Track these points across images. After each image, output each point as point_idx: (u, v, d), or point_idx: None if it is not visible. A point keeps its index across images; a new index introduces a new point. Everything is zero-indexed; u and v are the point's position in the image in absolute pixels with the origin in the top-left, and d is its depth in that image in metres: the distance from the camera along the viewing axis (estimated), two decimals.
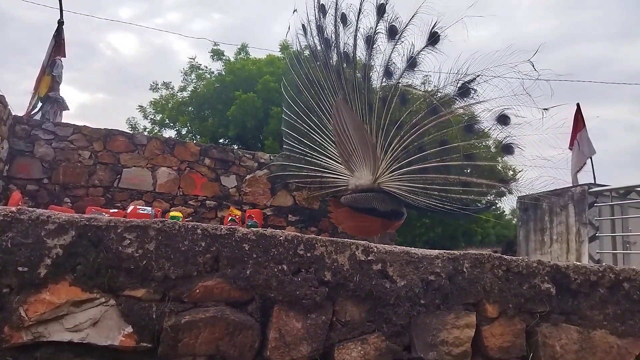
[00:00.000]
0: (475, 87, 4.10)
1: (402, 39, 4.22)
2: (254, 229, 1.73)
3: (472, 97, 4.14)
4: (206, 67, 15.17)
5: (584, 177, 8.32)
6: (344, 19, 4.46)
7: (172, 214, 5.56)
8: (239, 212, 6.16)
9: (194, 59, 15.25)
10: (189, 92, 14.62)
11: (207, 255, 1.62)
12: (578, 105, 8.81)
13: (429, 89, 4.45)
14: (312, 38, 4.78)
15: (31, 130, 6.39)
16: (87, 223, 1.53)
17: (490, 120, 4.13)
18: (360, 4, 4.30)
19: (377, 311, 1.78)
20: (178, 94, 15.02)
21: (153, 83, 15.38)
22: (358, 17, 4.33)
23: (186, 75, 15.10)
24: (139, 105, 15.13)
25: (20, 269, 1.45)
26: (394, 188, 4.08)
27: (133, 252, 1.55)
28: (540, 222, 8.10)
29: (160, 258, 1.57)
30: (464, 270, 1.91)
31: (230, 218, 5.70)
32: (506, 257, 2.02)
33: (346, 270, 1.76)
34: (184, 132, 14.82)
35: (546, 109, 3.80)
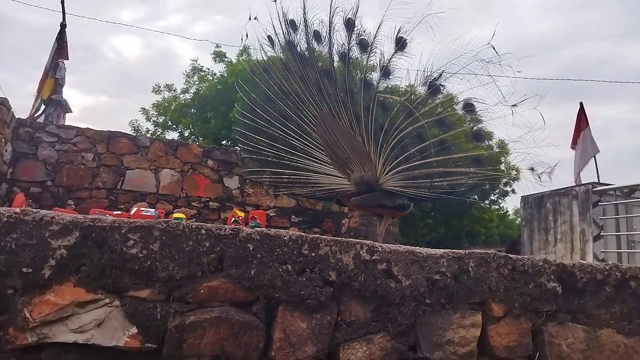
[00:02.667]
0: (443, 84, 4.19)
1: (374, 49, 4.28)
2: (258, 229, 1.73)
3: (442, 93, 4.26)
4: (208, 69, 15.23)
5: (588, 176, 8.31)
6: (317, 36, 4.45)
7: (175, 215, 5.56)
8: (242, 214, 6.15)
9: (196, 61, 15.33)
10: (192, 94, 14.67)
11: (211, 255, 1.62)
12: (581, 104, 8.80)
13: (404, 94, 4.51)
14: (285, 52, 4.68)
15: (34, 133, 6.42)
16: (91, 224, 1.53)
17: (459, 111, 4.25)
18: (330, 20, 4.28)
19: (382, 311, 1.77)
20: (180, 96, 15.08)
21: (156, 85, 15.48)
22: (330, 34, 4.34)
23: (188, 77, 15.17)
24: (142, 108, 15.23)
25: (24, 270, 1.45)
26: (393, 186, 4.21)
27: (137, 252, 1.54)
28: (544, 221, 8.07)
29: (164, 258, 1.56)
30: (470, 269, 1.90)
31: (233, 219, 5.69)
32: (512, 255, 2.01)
33: (351, 270, 1.75)
34: (186, 134, 14.85)
35: (515, 106, 3.83)
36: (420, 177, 4.17)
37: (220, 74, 14.63)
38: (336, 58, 4.38)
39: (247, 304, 1.65)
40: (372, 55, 4.26)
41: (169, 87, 15.37)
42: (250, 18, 4.78)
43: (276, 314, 1.66)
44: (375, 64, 4.30)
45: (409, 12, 3.80)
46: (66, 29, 7.98)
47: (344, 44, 4.33)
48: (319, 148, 4.44)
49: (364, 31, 4.24)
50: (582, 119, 8.68)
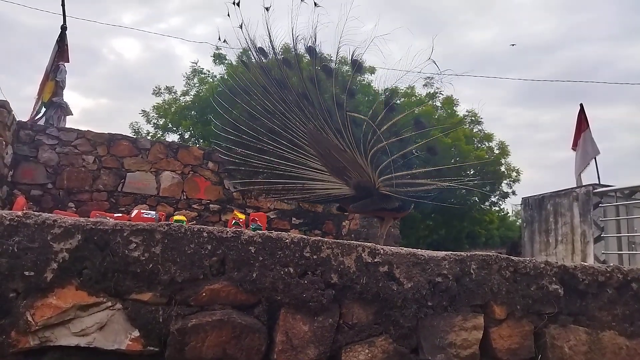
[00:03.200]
0: (397, 102, 4.57)
1: (338, 73, 4.60)
2: (260, 232, 1.73)
3: (397, 111, 4.58)
4: (208, 71, 15.21)
5: (589, 178, 8.30)
6: (287, 62, 4.67)
7: (176, 217, 5.55)
8: (242, 216, 6.14)
9: (196, 63, 15.30)
10: (192, 96, 14.66)
11: (213, 258, 1.62)
12: (581, 105, 8.80)
13: (368, 111, 4.80)
14: (261, 77, 4.86)
15: (35, 136, 6.42)
16: (93, 227, 1.53)
17: (411, 129, 4.52)
18: (295, 47, 4.53)
19: (384, 313, 1.77)
20: (181, 98, 15.05)
21: (156, 88, 15.43)
22: (298, 61, 4.59)
23: (189, 79, 15.14)
24: (142, 110, 15.17)
25: (26, 273, 1.45)
26: (389, 190, 4.38)
27: (139, 255, 1.54)
28: (545, 223, 8.06)
29: (166, 261, 1.56)
30: (471, 271, 1.90)
31: (234, 222, 5.68)
32: (513, 258, 2.00)
33: (353, 273, 1.75)
34: (187, 136, 14.83)
35: (462, 123, 4.08)
36: (397, 186, 4.39)
37: (221, 76, 14.62)
38: (308, 83, 4.62)
39: (249, 307, 1.65)
40: (337, 78, 4.59)
41: (169, 89, 15.35)
42: (219, 39, 5.05)
43: (278, 316, 1.66)
44: (341, 86, 4.61)
45: (360, 37, 4.08)
46: (67, 32, 7.99)
47: (310, 69, 4.62)
48: (313, 158, 4.61)
49: (325, 57, 4.60)
50: (582, 121, 8.68)
